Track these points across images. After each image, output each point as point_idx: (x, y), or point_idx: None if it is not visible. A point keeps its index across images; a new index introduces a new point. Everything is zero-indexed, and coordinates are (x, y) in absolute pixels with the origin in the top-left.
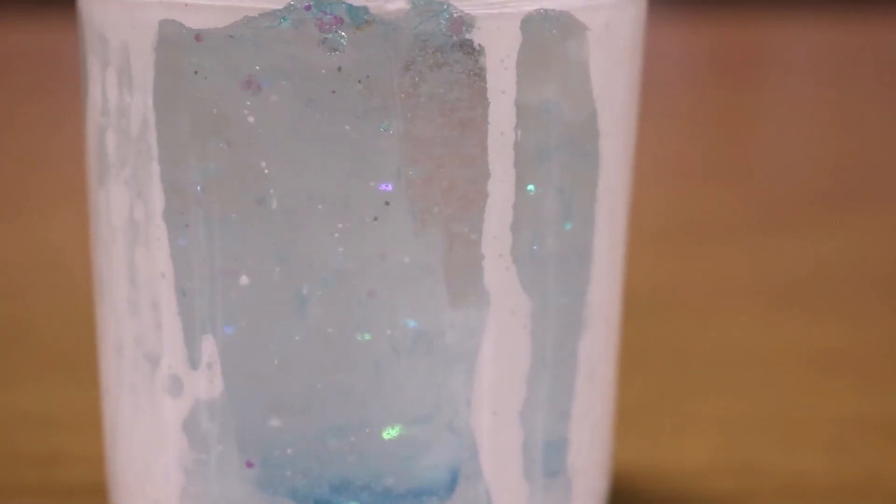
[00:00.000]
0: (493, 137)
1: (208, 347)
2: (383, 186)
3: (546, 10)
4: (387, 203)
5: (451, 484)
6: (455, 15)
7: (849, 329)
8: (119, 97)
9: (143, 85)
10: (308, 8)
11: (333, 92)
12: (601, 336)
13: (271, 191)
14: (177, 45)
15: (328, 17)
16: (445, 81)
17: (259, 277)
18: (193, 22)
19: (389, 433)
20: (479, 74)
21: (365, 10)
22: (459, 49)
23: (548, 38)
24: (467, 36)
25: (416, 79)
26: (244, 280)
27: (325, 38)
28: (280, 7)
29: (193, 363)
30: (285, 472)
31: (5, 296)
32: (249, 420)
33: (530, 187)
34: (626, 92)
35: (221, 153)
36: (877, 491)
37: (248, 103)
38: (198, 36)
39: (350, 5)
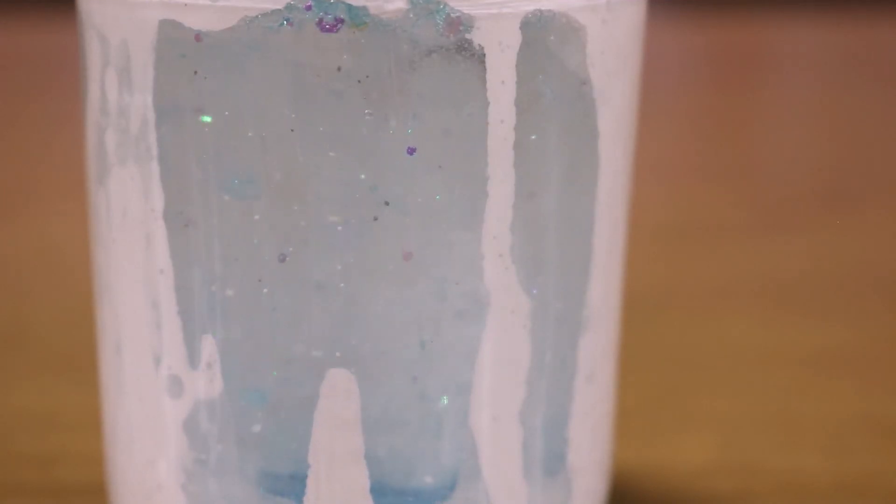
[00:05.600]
0: (492, 137)
1: (208, 347)
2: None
3: (546, 11)
4: (386, 203)
5: (451, 484)
6: (453, 15)
7: (849, 329)
8: (119, 97)
9: (143, 85)
10: (308, 8)
11: (333, 92)
12: (601, 336)
13: (271, 189)
14: (177, 45)
15: (328, 17)
16: (445, 81)
17: (259, 277)
18: (193, 22)
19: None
20: (479, 74)
21: (364, 10)
22: (459, 49)
23: (547, 39)
24: (467, 36)
25: (416, 79)
26: (244, 280)
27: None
28: (280, 7)
29: (193, 363)
30: (285, 472)
31: (5, 296)
32: (249, 420)
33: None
34: (626, 92)
35: (221, 152)
36: (877, 491)
37: (248, 103)
38: (198, 36)
39: (350, 5)
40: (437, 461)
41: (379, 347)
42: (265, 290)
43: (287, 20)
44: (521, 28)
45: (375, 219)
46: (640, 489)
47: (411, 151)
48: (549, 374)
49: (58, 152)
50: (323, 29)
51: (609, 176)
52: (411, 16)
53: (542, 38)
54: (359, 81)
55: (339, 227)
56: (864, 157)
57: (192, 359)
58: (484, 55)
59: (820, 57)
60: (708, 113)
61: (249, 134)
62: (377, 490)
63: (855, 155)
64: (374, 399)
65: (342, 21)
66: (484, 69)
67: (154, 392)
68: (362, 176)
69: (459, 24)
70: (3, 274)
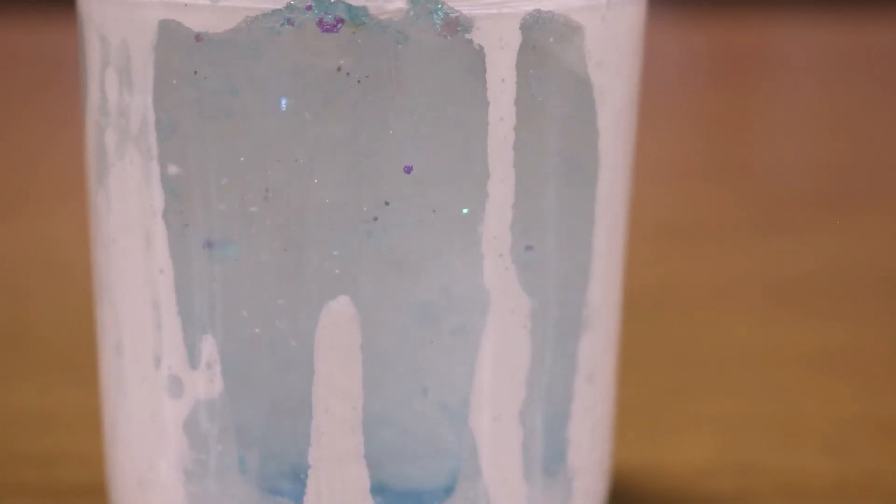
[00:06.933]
0: (492, 137)
1: (208, 347)
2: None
3: (545, 11)
4: (386, 203)
5: (451, 484)
6: (452, 15)
7: (849, 329)
8: (119, 97)
9: (143, 85)
10: (309, 8)
11: (333, 92)
12: (601, 336)
13: (271, 190)
14: (177, 45)
15: (329, 17)
16: (444, 81)
17: (259, 277)
18: (193, 22)
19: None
20: (479, 74)
21: (364, 10)
22: (458, 49)
23: (547, 39)
24: (466, 36)
25: (415, 79)
26: (244, 279)
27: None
28: (280, 7)
29: (193, 363)
30: (285, 472)
31: (5, 296)
32: (249, 420)
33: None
34: (625, 91)
35: (221, 153)
36: (877, 491)
37: (248, 103)
38: (198, 36)
39: (350, 5)
40: (437, 461)
41: (379, 347)
42: (265, 291)
43: (287, 20)
44: (520, 28)
45: (375, 219)
46: (640, 489)
47: (408, 170)
48: (549, 374)
49: (58, 152)
50: (323, 29)
51: (609, 175)
52: (411, 14)
53: (541, 38)
54: (358, 81)
55: (339, 226)
56: (864, 157)
57: (192, 359)
58: (484, 55)
59: (820, 57)
60: (708, 113)
61: (249, 133)
62: (377, 490)
63: (855, 155)
64: (375, 398)
65: (342, 21)
66: (484, 69)
67: (154, 392)
68: (362, 175)
69: (458, 24)
70: (3, 274)
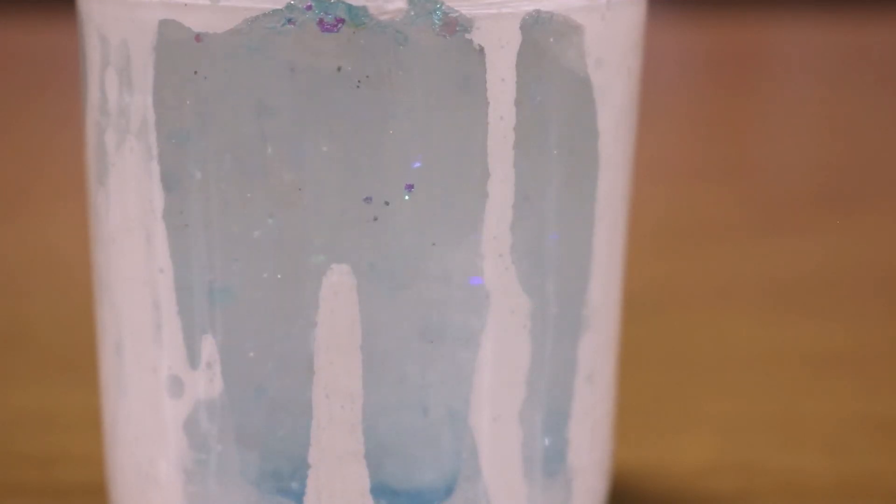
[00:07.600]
0: (492, 137)
1: (208, 347)
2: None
3: (545, 11)
4: (386, 203)
5: (451, 484)
6: (452, 15)
7: (849, 329)
8: (119, 97)
9: (143, 85)
10: (309, 8)
11: (333, 92)
12: (601, 336)
13: (271, 189)
14: (177, 45)
15: (329, 17)
16: (444, 82)
17: (259, 277)
18: (193, 22)
19: None
20: (479, 74)
21: (364, 10)
22: (458, 49)
23: (547, 39)
24: (466, 36)
25: (415, 79)
26: (245, 280)
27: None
28: (280, 7)
29: (193, 363)
30: (285, 472)
31: (5, 296)
32: (249, 420)
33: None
34: (625, 91)
35: (221, 153)
36: (877, 491)
37: (248, 103)
38: (198, 36)
39: (350, 5)
40: (437, 461)
41: (379, 347)
42: (265, 290)
43: (288, 20)
44: (520, 28)
45: (375, 219)
46: (640, 489)
47: (409, 188)
48: (549, 374)
49: (58, 152)
50: (323, 29)
51: (609, 176)
52: (411, 14)
53: (541, 38)
54: (359, 81)
55: (340, 227)
56: (863, 157)
57: (192, 359)
58: (484, 55)
59: (820, 57)
60: (708, 113)
61: (248, 132)
62: (377, 490)
63: (855, 155)
64: (375, 398)
65: (342, 21)
66: (484, 69)
67: (154, 392)
68: (362, 175)
69: (457, 24)
70: (3, 274)
